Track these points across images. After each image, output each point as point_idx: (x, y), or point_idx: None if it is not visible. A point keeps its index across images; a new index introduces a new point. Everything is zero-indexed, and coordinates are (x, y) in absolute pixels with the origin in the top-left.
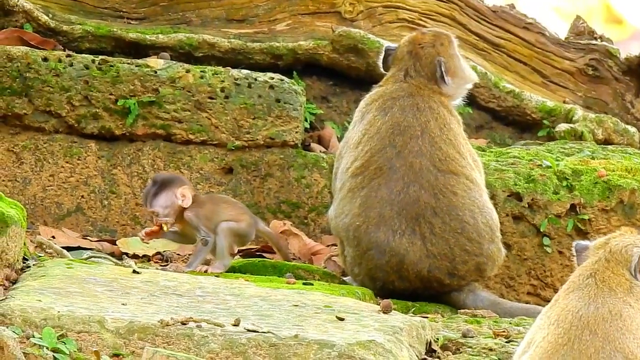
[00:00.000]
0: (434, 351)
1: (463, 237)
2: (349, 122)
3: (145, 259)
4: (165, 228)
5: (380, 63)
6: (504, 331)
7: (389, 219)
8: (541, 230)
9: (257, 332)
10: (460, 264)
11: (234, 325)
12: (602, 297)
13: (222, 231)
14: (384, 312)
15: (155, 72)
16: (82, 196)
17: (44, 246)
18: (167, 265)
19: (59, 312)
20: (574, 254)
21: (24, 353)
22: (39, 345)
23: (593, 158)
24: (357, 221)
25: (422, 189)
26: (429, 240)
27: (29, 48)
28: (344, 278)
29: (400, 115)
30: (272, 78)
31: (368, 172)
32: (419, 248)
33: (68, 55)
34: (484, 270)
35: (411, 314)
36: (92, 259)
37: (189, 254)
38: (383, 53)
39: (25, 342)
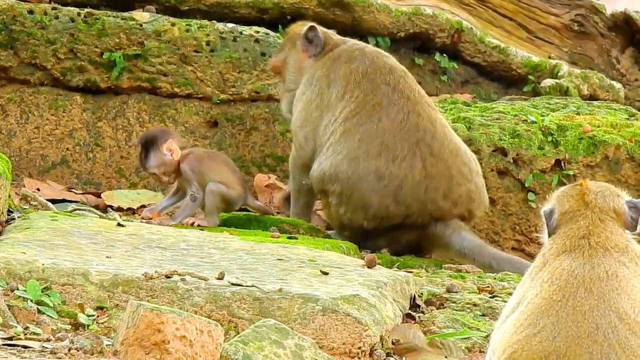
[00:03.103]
0: (418, 306)
1: (459, 159)
2: None
3: (130, 212)
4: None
5: None
6: (488, 286)
7: (392, 146)
8: (526, 185)
9: (241, 285)
10: (455, 186)
11: (218, 278)
12: (597, 257)
13: (210, 191)
14: (368, 267)
15: (141, 26)
16: (67, 149)
17: (29, 198)
18: (152, 218)
19: (43, 264)
20: (545, 219)
21: (7, 305)
22: (23, 297)
23: (578, 114)
24: (354, 154)
25: (420, 116)
26: (428, 162)
27: (14, 0)
28: (329, 232)
29: (379, 59)
30: (258, 32)
31: (365, 111)
32: (419, 171)
33: (54, 8)
34: (472, 201)
35: (395, 269)
36: (77, 211)
37: (176, 208)
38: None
39: (9, 295)
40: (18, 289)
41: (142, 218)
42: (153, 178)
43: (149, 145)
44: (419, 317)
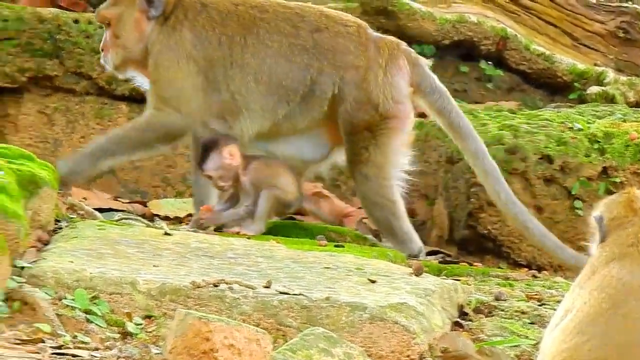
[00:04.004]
0: (467, 314)
1: None
2: None
3: (177, 220)
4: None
5: None
6: (536, 294)
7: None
8: (573, 193)
9: (289, 294)
10: None
11: (266, 287)
12: None
13: (266, 195)
14: (415, 275)
15: None
16: None
17: (76, 208)
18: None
19: (91, 273)
20: (597, 225)
21: (56, 314)
22: (72, 306)
23: (624, 121)
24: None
25: None
26: None
27: (59, 10)
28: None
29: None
30: None
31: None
32: None
33: None
34: None
35: (443, 277)
36: (124, 220)
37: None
38: None
39: (57, 304)
40: (66, 298)
41: (200, 218)
42: (211, 183)
43: (210, 147)
44: (467, 325)
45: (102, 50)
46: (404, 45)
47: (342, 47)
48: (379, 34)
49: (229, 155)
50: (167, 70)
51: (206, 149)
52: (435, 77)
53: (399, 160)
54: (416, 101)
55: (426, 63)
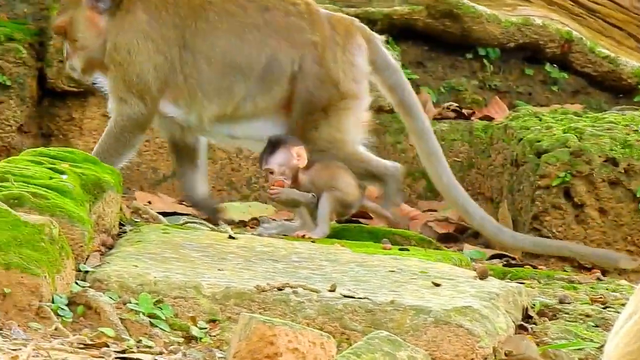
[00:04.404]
0: (531, 317)
1: None
2: (444, 87)
3: (241, 224)
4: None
5: None
6: (600, 297)
7: None
8: (638, 195)
9: (354, 297)
10: None
11: (330, 290)
12: None
13: (327, 198)
14: (480, 278)
15: None
16: None
17: (140, 211)
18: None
19: (155, 277)
20: None
21: (120, 319)
22: (136, 310)
23: None
24: None
25: None
26: None
27: None
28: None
29: None
30: None
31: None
32: None
33: None
34: None
35: (507, 280)
36: (188, 224)
37: (285, 219)
38: None
39: (121, 308)
40: (130, 302)
41: (271, 191)
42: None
43: (279, 143)
44: (531, 328)
45: (66, 60)
46: (357, 21)
47: (295, 25)
48: (329, 12)
49: (297, 156)
50: (127, 53)
51: (274, 144)
52: (388, 53)
53: (353, 135)
54: (370, 77)
55: (380, 39)
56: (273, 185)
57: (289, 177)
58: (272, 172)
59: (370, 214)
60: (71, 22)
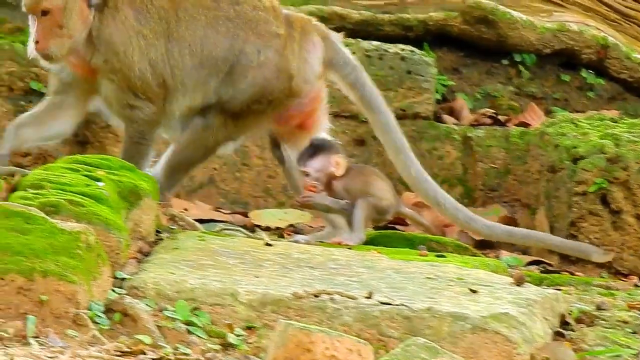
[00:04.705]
0: (568, 324)
1: None
2: (480, 94)
3: (278, 231)
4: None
5: None
6: (638, 303)
7: None
8: None
9: (390, 304)
10: None
11: (367, 297)
12: None
13: (361, 204)
14: (517, 285)
15: None
16: (215, 168)
17: (177, 219)
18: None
19: (192, 284)
20: None
21: (157, 326)
22: (172, 318)
23: None
24: None
25: None
26: None
27: None
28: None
29: None
30: (403, 49)
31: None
32: None
33: None
34: None
35: (544, 286)
36: (225, 231)
37: (321, 226)
38: None
39: (158, 315)
40: (167, 310)
41: (305, 195)
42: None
43: (320, 148)
44: (569, 335)
45: (38, 42)
46: (314, 20)
47: (262, 17)
48: (287, 10)
49: (335, 164)
50: (124, 55)
51: (316, 149)
52: (347, 51)
53: (263, 129)
54: (329, 76)
55: (338, 38)
56: (306, 189)
57: (322, 183)
58: (307, 175)
59: (407, 221)
60: (64, 7)
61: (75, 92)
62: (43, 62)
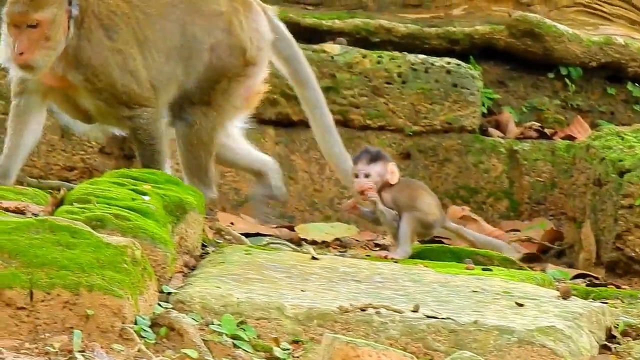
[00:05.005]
0: (614, 337)
1: None
2: (526, 107)
3: (324, 245)
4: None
5: None
6: None
7: None
8: None
9: (437, 318)
10: None
11: (413, 311)
12: None
13: (407, 218)
14: (563, 298)
15: (332, 58)
16: None
17: (223, 232)
18: (346, 251)
19: (238, 298)
20: None
21: (203, 340)
22: (219, 332)
23: None
24: None
25: None
26: None
27: None
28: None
29: None
30: (449, 63)
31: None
32: None
33: None
34: None
35: (590, 300)
36: (271, 245)
37: (368, 240)
38: None
39: (204, 329)
40: (213, 324)
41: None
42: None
43: (379, 156)
44: (615, 348)
45: (22, 53)
46: None
47: None
48: None
49: (390, 173)
50: (105, 75)
51: (374, 156)
52: (283, 25)
53: (239, 104)
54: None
55: (273, 11)
56: (364, 191)
57: (376, 187)
58: (367, 176)
59: (452, 235)
60: (53, 19)
61: (39, 95)
62: (23, 73)
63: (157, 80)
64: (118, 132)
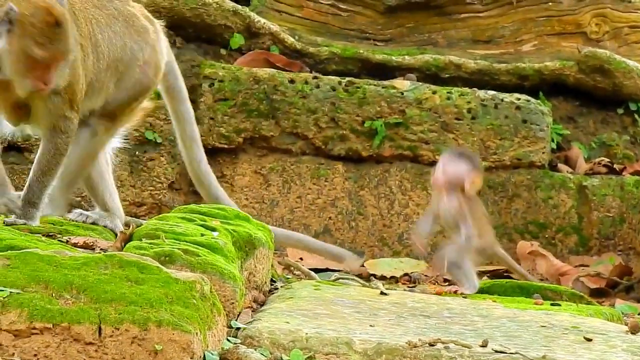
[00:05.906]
0: None
1: None
2: (595, 142)
3: (393, 280)
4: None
5: None
6: None
7: None
8: None
9: (505, 352)
10: None
11: (482, 346)
12: None
13: (466, 252)
14: (631, 333)
15: (402, 94)
16: (330, 217)
17: (292, 268)
18: (415, 286)
19: (306, 333)
20: None
21: None
22: None
23: None
24: None
25: None
26: None
27: (275, 70)
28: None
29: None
30: (519, 99)
31: None
32: None
33: (315, 77)
34: None
35: None
36: (340, 280)
37: (437, 275)
38: None
39: None
40: (282, 359)
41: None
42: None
43: (470, 159)
44: None
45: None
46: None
47: (133, 13)
48: None
49: (470, 181)
50: (76, 65)
51: (467, 156)
52: (165, 39)
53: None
54: None
55: (159, 26)
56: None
57: (446, 187)
58: (445, 174)
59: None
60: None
61: None
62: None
63: (92, 87)
64: (33, 133)
